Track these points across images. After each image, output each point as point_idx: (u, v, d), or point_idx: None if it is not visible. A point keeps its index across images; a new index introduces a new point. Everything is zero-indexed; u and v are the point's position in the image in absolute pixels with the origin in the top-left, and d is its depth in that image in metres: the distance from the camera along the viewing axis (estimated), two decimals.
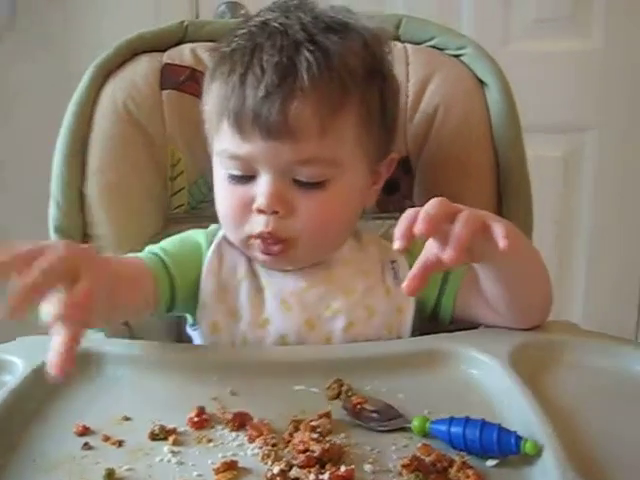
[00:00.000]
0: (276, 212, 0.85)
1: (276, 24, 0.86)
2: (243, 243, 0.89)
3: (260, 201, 0.85)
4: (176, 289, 0.89)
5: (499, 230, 0.71)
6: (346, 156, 0.86)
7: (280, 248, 0.87)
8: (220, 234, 0.93)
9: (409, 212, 0.71)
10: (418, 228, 0.68)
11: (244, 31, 0.88)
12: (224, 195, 0.90)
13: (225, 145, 0.87)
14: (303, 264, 0.91)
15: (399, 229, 0.70)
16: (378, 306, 0.90)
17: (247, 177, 0.86)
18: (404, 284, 0.72)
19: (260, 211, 0.85)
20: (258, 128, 0.83)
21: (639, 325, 1.96)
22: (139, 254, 0.91)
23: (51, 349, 0.63)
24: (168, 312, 0.91)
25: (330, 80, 0.84)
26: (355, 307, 0.90)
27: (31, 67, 1.82)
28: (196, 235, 0.95)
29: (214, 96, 0.88)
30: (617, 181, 1.87)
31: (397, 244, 0.70)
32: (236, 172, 0.87)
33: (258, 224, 0.86)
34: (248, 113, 0.83)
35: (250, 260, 0.92)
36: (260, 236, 0.86)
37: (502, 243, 0.69)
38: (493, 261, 0.79)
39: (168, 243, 0.93)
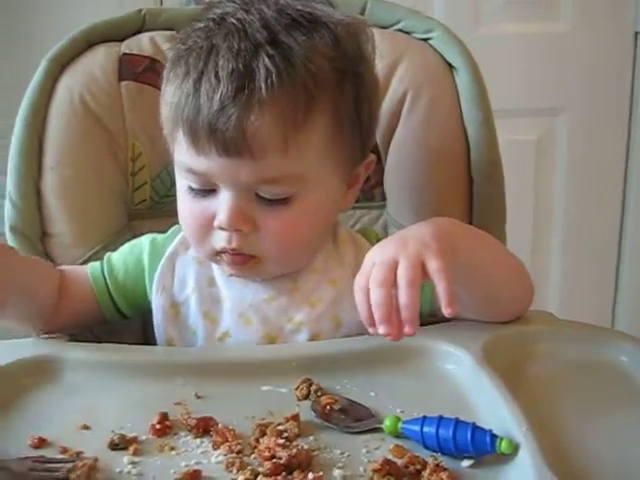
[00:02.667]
0: (239, 230, 0.79)
1: (234, 20, 0.78)
2: (209, 257, 0.84)
3: (221, 219, 0.79)
4: (121, 308, 0.90)
5: (443, 291, 0.68)
6: (313, 170, 0.79)
7: (247, 263, 0.82)
8: (175, 241, 0.89)
9: (361, 288, 0.71)
10: (381, 330, 0.68)
11: (201, 25, 0.80)
12: (185, 208, 0.84)
13: (181, 157, 0.80)
14: (274, 275, 0.86)
15: (365, 316, 0.70)
16: (346, 317, 0.85)
17: (207, 190, 0.80)
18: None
19: (222, 228, 0.80)
20: (214, 144, 0.76)
21: (615, 310, 1.95)
22: (90, 269, 0.91)
23: None
24: (125, 319, 0.92)
25: (292, 90, 0.75)
26: (320, 319, 0.85)
27: None
28: (143, 247, 0.90)
29: (168, 102, 0.80)
30: (589, 162, 1.86)
31: (372, 331, 0.70)
32: (195, 185, 0.80)
33: (221, 240, 0.80)
34: (203, 126, 0.76)
35: (209, 269, 0.88)
36: (224, 251, 0.81)
37: (447, 312, 0.68)
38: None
39: (117, 257, 0.91)
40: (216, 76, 0.75)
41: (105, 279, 0.89)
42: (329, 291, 0.86)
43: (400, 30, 1.05)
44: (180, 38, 0.82)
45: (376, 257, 0.72)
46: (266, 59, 0.75)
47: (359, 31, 0.82)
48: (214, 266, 0.88)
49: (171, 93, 0.79)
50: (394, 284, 0.69)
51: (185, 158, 0.79)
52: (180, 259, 0.88)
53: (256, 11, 0.78)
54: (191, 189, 0.81)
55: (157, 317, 0.88)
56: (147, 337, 1.01)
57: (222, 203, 0.79)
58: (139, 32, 1.05)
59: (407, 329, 0.68)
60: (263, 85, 0.74)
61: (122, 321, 0.95)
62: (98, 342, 0.85)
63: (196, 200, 0.81)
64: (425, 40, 1.04)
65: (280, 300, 0.86)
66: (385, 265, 0.70)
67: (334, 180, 0.83)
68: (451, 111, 1.01)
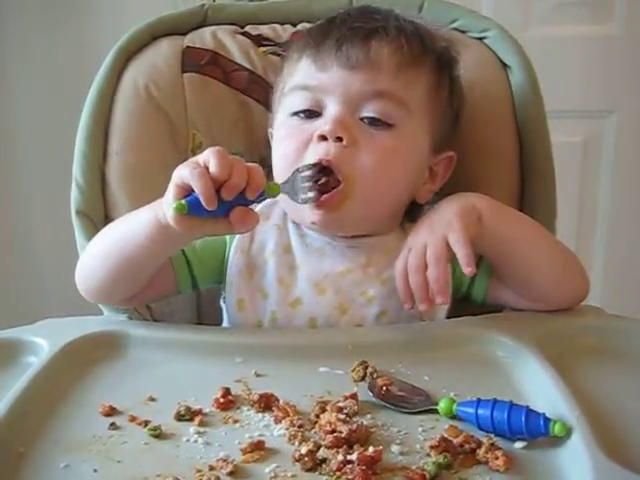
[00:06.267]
0: (339, 139, 0.84)
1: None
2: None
3: (324, 128, 0.84)
4: (195, 275, 0.90)
5: (460, 255, 0.79)
6: (415, 107, 0.88)
7: (333, 200, 0.84)
8: (257, 209, 0.90)
9: (400, 272, 0.84)
10: (421, 307, 0.82)
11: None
12: (286, 133, 0.89)
13: (297, 79, 0.89)
14: (354, 226, 0.89)
15: (403, 296, 0.84)
16: None
17: (313, 113, 0.87)
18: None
19: (322, 138, 0.84)
20: (337, 58, 0.86)
21: None
22: None
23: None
24: (194, 289, 0.93)
25: (413, 35, 0.88)
26: (390, 296, 0.88)
27: (51, 48, 1.83)
28: None
29: (293, 48, 0.93)
30: (636, 165, 1.85)
31: (407, 307, 0.84)
32: (303, 107, 0.87)
33: (317, 153, 0.84)
34: (330, 45, 0.86)
35: (286, 237, 0.91)
36: (318, 165, 0.83)
37: (467, 272, 0.79)
38: (480, 247, 0.84)
39: None
40: (349, 14, 0.90)
41: (184, 251, 0.89)
42: None
43: (456, 29, 1.07)
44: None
45: (411, 243, 0.85)
46: (397, 11, 0.91)
47: (457, 54, 0.95)
48: (292, 234, 0.91)
49: (300, 38, 0.93)
50: (427, 266, 0.81)
51: (302, 78, 0.89)
52: (260, 226, 0.90)
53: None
54: (297, 114, 0.88)
55: (230, 277, 0.90)
56: (200, 317, 1.05)
57: (328, 116, 0.85)
58: (201, 26, 1.09)
59: (439, 299, 0.80)
60: (392, 21, 0.88)
61: (179, 304, 0.99)
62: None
63: (299, 123, 0.88)
64: (480, 39, 1.06)
65: (355, 273, 0.89)
66: (417, 252, 0.83)
67: (426, 136, 0.90)
68: (504, 109, 1.03)
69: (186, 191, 0.72)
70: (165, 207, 0.75)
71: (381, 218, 0.91)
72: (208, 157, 0.73)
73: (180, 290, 0.91)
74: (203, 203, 0.70)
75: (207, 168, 0.72)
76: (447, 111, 0.92)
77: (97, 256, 0.87)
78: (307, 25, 1.05)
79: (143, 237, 0.79)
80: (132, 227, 0.82)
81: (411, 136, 0.88)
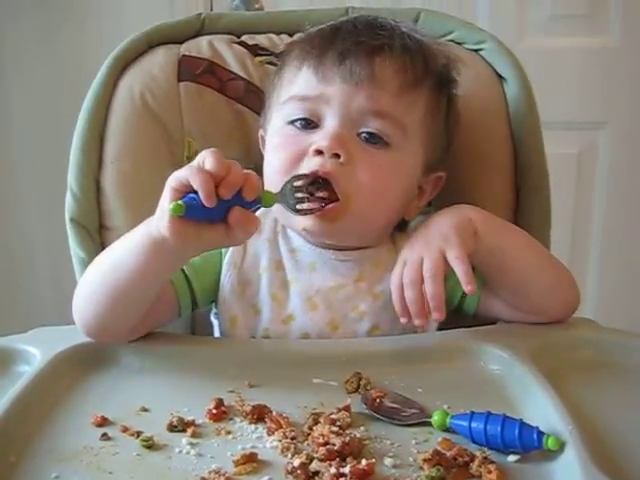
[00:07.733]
0: (336, 156, 0.83)
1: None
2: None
3: (322, 143, 0.83)
4: (196, 293, 0.88)
5: (461, 273, 0.78)
6: (412, 130, 0.87)
7: (329, 212, 0.83)
8: None
9: (396, 286, 0.82)
10: (417, 322, 0.81)
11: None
12: (280, 142, 0.88)
13: (297, 89, 0.88)
14: (345, 239, 0.88)
15: (399, 310, 0.82)
16: None
17: (310, 124, 0.86)
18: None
19: (318, 152, 0.83)
20: (340, 71, 0.85)
21: None
22: None
23: None
24: (193, 311, 0.91)
25: (418, 54, 0.88)
26: (382, 310, 0.88)
27: (47, 55, 1.83)
28: None
29: (294, 54, 0.91)
30: (630, 177, 1.86)
31: (404, 321, 0.82)
32: (300, 115, 0.86)
33: (314, 165, 0.83)
34: (333, 57, 0.85)
35: (277, 252, 0.90)
36: (312, 175, 0.82)
37: (468, 290, 0.78)
38: (474, 260, 0.83)
39: None
40: (354, 26, 0.88)
41: (183, 270, 0.86)
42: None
43: (452, 40, 1.08)
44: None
45: (407, 256, 0.83)
46: (404, 28, 0.90)
47: (457, 73, 0.94)
48: (282, 249, 0.90)
49: (299, 46, 0.91)
50: (422, 281, 0.80)
51: (301, 89, 0.87)
52: (252, 239, 0.88)
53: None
54: (293, 123, 0.87)
55: (223, 293, 0.89)
56: (194, 327, 1.04)
57: (326, 130, 0.85)
58: (198, 35, 1.09)
59: (435, 315, 0.79)
60: (398, 40, 0.87)
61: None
62: None
63: (295, 133, 0.87)
64: (476, 51, 1.07)
65: (347, 289, 0.88)
66: (413, 265, 0.82)
67: (420, 158, 0.90)
68: (500, 122, 1.03)
69: (183, 194, 0.70)
70: (159, 217, 0.72)
71: (372, 233, 0.90)
72: (204, 157, 0.71)
73: (181, 313, 0.88)
74: (202, 198, 0.68)
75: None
76: (442, 133, 0.92)
77: (91, 289, 0.81)
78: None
79: (136, 260, 0.76)
80: (124, 251, 0.78)
81: (406, 157, 0.88)
